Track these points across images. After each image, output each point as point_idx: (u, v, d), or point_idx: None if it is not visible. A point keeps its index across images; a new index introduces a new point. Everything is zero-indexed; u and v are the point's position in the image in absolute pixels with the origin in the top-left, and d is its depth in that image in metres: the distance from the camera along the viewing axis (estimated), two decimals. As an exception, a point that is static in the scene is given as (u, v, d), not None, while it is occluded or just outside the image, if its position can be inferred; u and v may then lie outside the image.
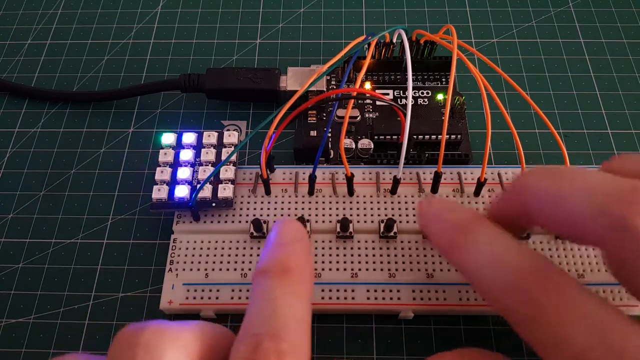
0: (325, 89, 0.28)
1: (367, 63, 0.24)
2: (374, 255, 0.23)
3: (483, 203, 0.24)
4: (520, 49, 0.31)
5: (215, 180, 0.24)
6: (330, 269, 0.23)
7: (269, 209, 0.24)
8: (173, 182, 0.24)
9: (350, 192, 0.24)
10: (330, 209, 0.24)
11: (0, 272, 0.25)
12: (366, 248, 0.23)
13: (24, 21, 0.33)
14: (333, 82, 0.29)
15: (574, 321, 0.15)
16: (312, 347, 0.16)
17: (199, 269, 0.23)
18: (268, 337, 0.15)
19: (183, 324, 0.15)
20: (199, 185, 0.23)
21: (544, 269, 0.16)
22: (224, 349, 0.15)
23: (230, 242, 0.23)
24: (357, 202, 0.24)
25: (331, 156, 0.26)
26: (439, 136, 0.25)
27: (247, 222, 0.24)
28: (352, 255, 0.23)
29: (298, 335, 0.15)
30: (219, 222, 0.24)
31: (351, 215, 0.24)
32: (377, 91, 0.28)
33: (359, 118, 0.27)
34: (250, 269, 0.23)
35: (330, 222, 0.24)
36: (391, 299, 0.22)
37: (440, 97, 0.28)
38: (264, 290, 0.16)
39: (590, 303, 0.15)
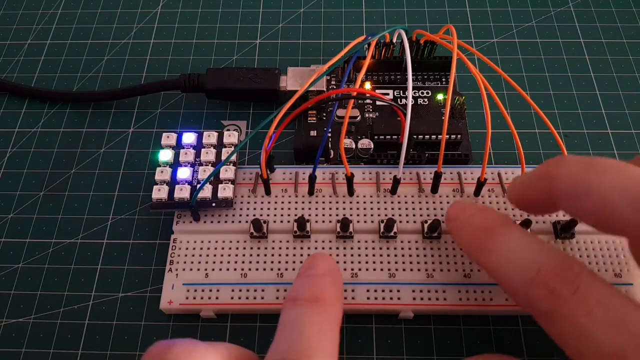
0: (325, 89, 0.28)
1: (367, 63, 0.24)
2: (374, 255, 0.23)
3: (483, 202, 0.24)
4: (520, 49, 0.31)
5: (215, 180, 0.24)
6: (330, 269, 0.23)
7: (269, 209, 0.24)
8: (173, 182, 0.24)
9: (350, 192, 0.24)
10: (330, 209, 0.24)
11: (0, 272, 0.25)
12: (366, 248, 0.23)
13: (24, 21, 0.33)
14: (333, 82, 0.29)
15: (599, 317, 0.14)
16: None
17: (198, 269, 0.23)
18: None
19: (211, 345, 0.15)
20: (199, 185, 0.23)
21: (566, 265, 0.16)
22: None
23: (230, 242, 0.23)
24: (357, 202, 0.24)
25: (331, 156, 0.26)
26: (439, 136, 0.25)
27: (247, 222, 0.24)
28: (352, 255, 0.23)
29: None
30: (219, 222, 0.24)
31: (351, 215, 0.24)
32: (377, 91, 0.28)
33: (359, 118, 0.27)
34: (250, 269, 0.23)
35: (330, 222, 0.24)
36: (391, 299, 0.22)
37: (440, 97, 0.28)
38: (293, 317, 0.16)
39: (616, 301, 0.15)
